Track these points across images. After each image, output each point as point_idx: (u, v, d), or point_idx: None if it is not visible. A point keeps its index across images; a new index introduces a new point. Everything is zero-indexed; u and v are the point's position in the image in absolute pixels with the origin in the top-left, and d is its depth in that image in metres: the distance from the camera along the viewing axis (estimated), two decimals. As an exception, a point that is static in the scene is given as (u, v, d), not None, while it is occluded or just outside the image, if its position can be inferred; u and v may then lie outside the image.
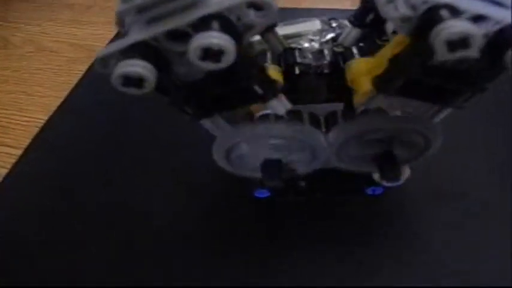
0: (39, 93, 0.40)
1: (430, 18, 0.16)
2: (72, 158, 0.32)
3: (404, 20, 0.17)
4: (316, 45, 0.27)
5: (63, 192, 0.29)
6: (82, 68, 0.42)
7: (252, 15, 0.17)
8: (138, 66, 0.17)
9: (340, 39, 0.25)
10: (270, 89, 0.19)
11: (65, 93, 0.39)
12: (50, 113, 0.37)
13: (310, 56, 0.27)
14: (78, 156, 0.32)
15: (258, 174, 0.23)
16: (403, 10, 0.17)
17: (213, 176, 0.30)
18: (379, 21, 0.23)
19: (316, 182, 0.28)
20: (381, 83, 0.19)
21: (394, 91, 0.19)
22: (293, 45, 0.28)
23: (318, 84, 0.27)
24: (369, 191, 0.27)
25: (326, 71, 0.27)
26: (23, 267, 0.25)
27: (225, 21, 0.17)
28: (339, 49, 0.27)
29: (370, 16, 0.23)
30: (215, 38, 0.15)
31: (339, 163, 0.24)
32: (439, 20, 0.15)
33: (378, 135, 0.22)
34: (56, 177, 0.31)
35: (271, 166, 0.22)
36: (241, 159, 0.23)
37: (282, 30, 0.27)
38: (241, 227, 0.27)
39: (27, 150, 0.33)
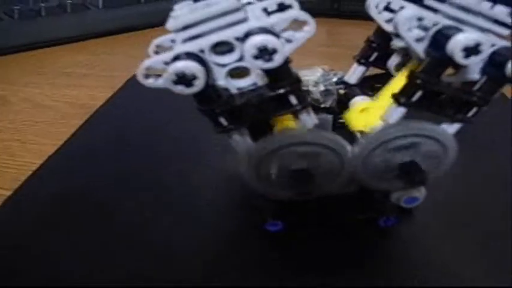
0: (33, 142, 0.39)
1: (444, 34, 0.19)
2: (63, 199, 0.31)
3: (419, 40, 0.20)
4: (322, 87, 0.30)
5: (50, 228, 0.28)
6: (78, 122, 0.42)
7: (290, 32, 0.20)
8: (193, 66, 0.18)
9: (346, 77, 0.28)
10: (304, 101, 0.21)
11: (60, 143, 0.38)
12: (45, 158, 0.36)
13: (318, 95, 0.30)
14: (69, 198, 0.31)
15: (287, 193, 0.24)
16: (418, 32, 0.20)
17: (221, 208, 0.30)
18: (382, 60, 0.27)
19: (328, 213, 0.28)
20: (402, 96, 0.21)
21: (413, 104, 0.21)
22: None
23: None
24: (381, 222, 0.28)
25: (334, 107, 0.29)
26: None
27: (269, 31, 0.19)
28: (342, 90, 0.30)
29: (374, 55, 0.27)
30: (272, 38, 0.18)
31: (362, 175, 0.25)
32: (453, 34, 0.18)
33: (401, 142, 0.22)
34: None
35: (299, 175, 0.22)
36: (270, 173, 0.23)
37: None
38: (252, 262, 0.26)
39: (18, 189, 0.32)
